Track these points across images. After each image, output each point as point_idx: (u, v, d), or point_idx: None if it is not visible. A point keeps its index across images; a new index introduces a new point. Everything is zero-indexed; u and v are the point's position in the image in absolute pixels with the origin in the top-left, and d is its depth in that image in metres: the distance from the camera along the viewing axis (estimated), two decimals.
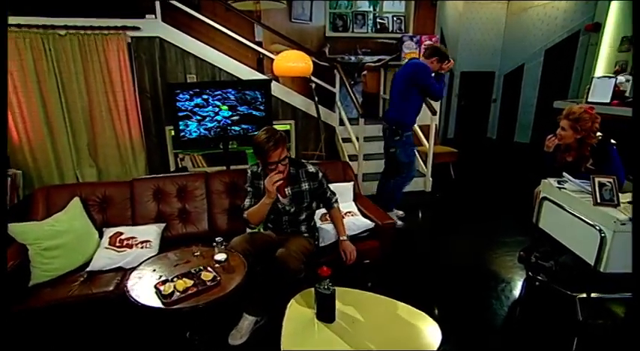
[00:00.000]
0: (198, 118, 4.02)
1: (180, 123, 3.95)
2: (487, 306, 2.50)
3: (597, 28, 5.72)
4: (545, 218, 2.60)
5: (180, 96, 3.86)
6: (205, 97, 3.98)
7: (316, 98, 4.40)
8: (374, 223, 2.52)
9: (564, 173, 2.55)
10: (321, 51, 5.45)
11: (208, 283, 1.66)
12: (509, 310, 2.47)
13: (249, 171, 2.20)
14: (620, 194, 2.17)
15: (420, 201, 4.52)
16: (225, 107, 4.02)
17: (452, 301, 2.56)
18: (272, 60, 4.87)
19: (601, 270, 2.10)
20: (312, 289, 1.66)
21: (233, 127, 4.04)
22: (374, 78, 5.85)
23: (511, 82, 7.25)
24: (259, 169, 2.16)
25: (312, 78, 4.38)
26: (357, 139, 4.43)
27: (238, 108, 4.12)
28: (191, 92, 3.89)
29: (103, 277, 2.08)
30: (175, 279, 1.68)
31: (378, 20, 5.68)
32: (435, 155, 4.75)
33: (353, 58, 5.72)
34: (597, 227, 2.11)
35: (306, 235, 2.29)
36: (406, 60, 5.24)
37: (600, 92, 4.51)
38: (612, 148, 2.49)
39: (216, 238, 1.85)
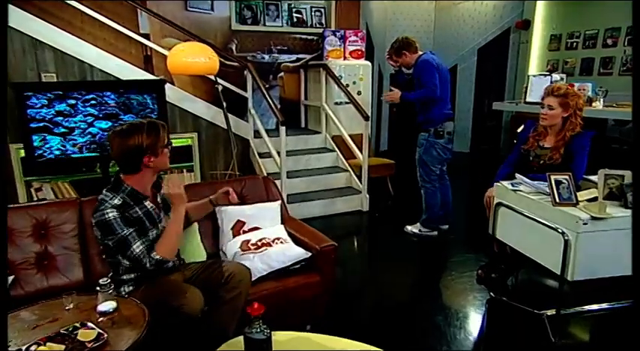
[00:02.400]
0: (63, 130, 3.65)
1: (35, 138, 3.55)
2: (451, 337, 2.53)
3: (527, 25, 6.49)
4: (502, 227, 2.72)
5: (33, 100, 3.48)
6: (72, 102, 3.63)
7: (225, 104, 4.28)
8: (310, 253, 2.42)
9: (517, 175, 2.73)
10: (226, 48, 5.37)
11: (89, 345, 1.42)
12: (476, 339, 2.53)
13: (108, 212, 1.90)
14: (577, 192, 2.37)
15: (358, 223, 4.58)
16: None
17: (410, 338, 2.54)
18: (164, 57, 4.69)
19: (568, 278, 2.24)
20: (240, 337, 1.52)
21: None
22: (293, 81, 5.90)
23: None
24: (119, 197, 1.96)
25: (219, 80, 4.27)
26: (278, 153, 4.39)
27: (121, 117, 3.83)
28: (50, 95, 3.53)
29: None
30: (34, 347, 1.41)
31: (294, 13, 5.79)
32: (371, 169, 4.87)
33: (266, 56, 5.73)
34: (560, 230, 2.26)
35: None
36: (330, 59, 5.43)
37: (539, 91, 5.06)
38: (589, 140, 2.74)
39: (101, 280, 1.61)
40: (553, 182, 2.36)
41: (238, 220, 2.61)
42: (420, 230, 4.15)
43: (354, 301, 3.01)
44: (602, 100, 4.60)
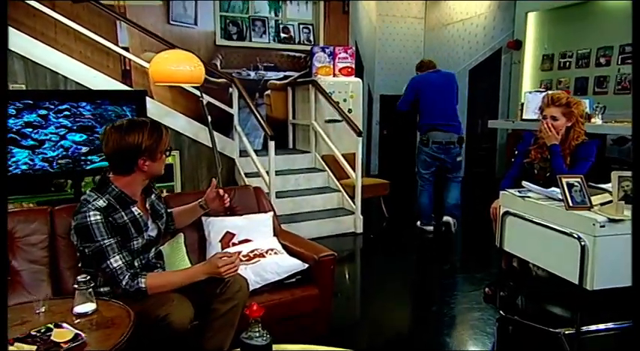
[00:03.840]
0: (32, 143, 3.53)
1: None
2: None
3: (519, 45, 6.69)
4: (510, 238, 2.68)
5: None
6: (43, 112, 3.53)
7: (210, 118, 4.24)
8: (307, 264, 2.35)
9: (524, 182, 2.71)
10: (210, 64, 5.38)
11: (64, 346, 1.30)
12: None
13: (90, 215, 1.79)
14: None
15: (351, 245, 4.52)
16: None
17: None
18: (144, 72, 4.68)
19: (588, 287, 2.19)
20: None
21: (90, 158, 3.62)
22: (280, 99, 5.91)
23: None
24: (104, 199, 1.85)
25: (203, 95, 4.25)
26: (267, 172, 4.35)
27: (97, 129, 3.74)
28: (18, 105, 3.43)
29: None
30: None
31: (281, 29, 5.87)
32: (364, 189, 4.84)
33: (252, 73, 5.75)
34: (575, 235, 2.22)
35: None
36: (319, 76, 5.49)
37: (535, 108, 5.17)
38: (596, 148, 2.76)
39: (79, 277, 1.49)
40: (565, 185, 2.34)
41: (227, 232, 2.53)
42: (420, 223, 4.87)
43: (350, 331, 2.90)
44: (600, 116, 4.70)
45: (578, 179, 2.38)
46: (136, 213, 1.94)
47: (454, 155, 4.65)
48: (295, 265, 2.35)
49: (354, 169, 4.80)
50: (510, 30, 6.79)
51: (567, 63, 6.16)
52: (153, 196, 2.10)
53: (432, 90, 4.61)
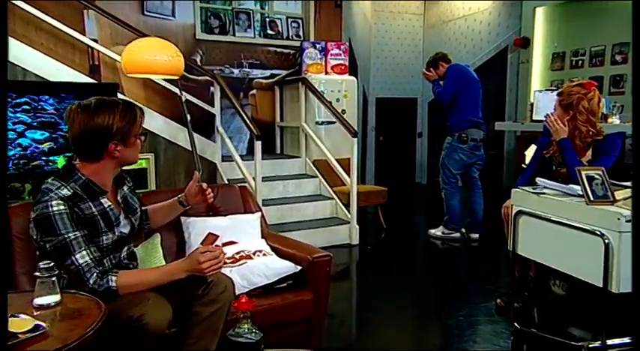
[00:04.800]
0: None
1: None
2: None
3: (526, 43, 6.80)
4: (524, 240, 2.67)
5: None
6: None
7: (189, 117, 4.21)
8: (300, 267, 2.32)
9: (538, 179, 2.72)
10: (190, 59, 5.37)
11: (21, 336, 1.24)
12: None
13: (53, 205, 1.73)
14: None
15: (347, 258, 4.50)
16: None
17: None
18: (114, 67, 4.67)
19: (613, 290, 2.17)
20: None
21: (52, 158, 3.57)
22: (267, 99, 5.92)
23: (438, 111, 8.04)
24: (69, 187, 1.80)
25: (182, 92, 4.24)
26: (254, 178, 4.33)
27: (61, 126, 3.69)
28: None
29: None
30: None
31: (268, 23, 5.90)
32: (360, 196, 4.86)
33: (236, 71, 5.75)
34: (598, 232, 2.21)
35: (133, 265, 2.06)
36: (309, 74, 5.51)
37: (546, 108, 5.22)
38: (621, 142, 2.77)
39: (41, 263, 1.44)
40: (585, 178, 2.34)
41: (210, 233, 2.48)
42: (443, 232, 4.92)
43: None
44: (618, 115, 4.77)
45: (599, 171, 2.38)
46: (105, 205, 1.89)
47: (483, 153, 4.86)
48: (286, 267, 2.33)
49: (348, 174, 4.80)
50: (517, 27, 6.90)
51: (580, 61, 6.25)
52: (125, 188, 2.06)
53: (474, 85, 4.80)
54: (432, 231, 4.98)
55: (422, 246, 5.09)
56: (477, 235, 4.87)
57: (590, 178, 2.35)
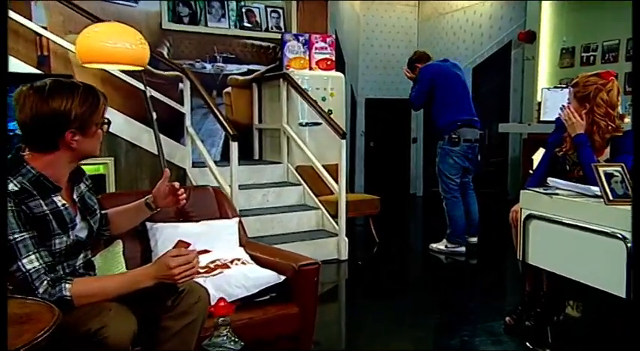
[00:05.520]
0: None
1: None
2: None
3: (532, 37, 6.89)
4: (535, 248, 2.65)
5: None
6: None
7: (155, 115, 4.18)
8: (283, 277, 2.32)
9: (550, 179, 2.71)
10: (156, 52, 5.34)
11: None
12: None
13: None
14: None
15: (335, 275, 4.49)
16: None
17: None
18: (66, 58, 4.63)
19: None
20: None
21: None
22: (243, 98, 5.91)
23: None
24: (15, 182, 1.74)
25: (148, 88, 4.21)
26: (230, 186, 4.30)
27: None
28: None
29: None
30: None
31: (244, 12, 5.90)
32: (349, 205, 4.85)
33: (208, 66, 5.73)
34: (619, 234, 2.20)
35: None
36: (291, 70, 5.52)
37: (555, 107, 5.28)
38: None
39: None
40: (602, 175, 2.34)
41: (180, 241, 2.45)
42: (446, 246, 4.93)
43: None
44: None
45: (619, 168, 2.38)
46: (59, 204, 1.83)
47: (477, 154, 5.01)
48: (268, 276, 2.32)
49: (336, 181, 4.79)
50: (522, 19, 7.00)
51: (591, 57, 6.35)
52: (83, 186, 2.00)
53: (453, 81, 4.95)
54: (434, 245, 5.00)
55: (419, 261, 5.10)
56: (475, 239, 5.06)
57: (609, 176, 2.35)
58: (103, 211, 2.17)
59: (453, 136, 4.77)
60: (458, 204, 4.88)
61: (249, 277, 2.29)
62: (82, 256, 1.96)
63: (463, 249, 4.87)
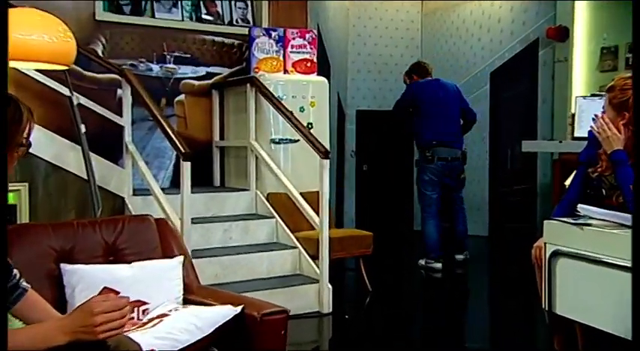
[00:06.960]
0: None
1: None
2: None
3: (564, 35, 6.93)
4: (564, 292, 2.65)
5: None
6: None
7: (84, 128, 4.14)
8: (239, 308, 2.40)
9: (580, 206, 2.71)
10: (87, 48, 5.32)
11: None
12: None
13: None
14: None
15: (315, 333, 4.51)
16: None
17: None
18: None
19: None
20: None
21: None
22: (200, 108, 5.91)
23: None
24: None
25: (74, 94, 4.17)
26: (180, 219, 4.27)
27: None
28: None
29: None
30: None
31: (202, 1, 5.91)
32: (334, 243, 4.82)
33: (156, 67, 5.71)
34: None
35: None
36: (261, 73, 5.53)
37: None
38: None
39: None
40: None
41: (106, 289, 2.40)
42: (426, 262, 6.14)
43: None
44: None
45: None
46: None
47: (458, 172, 6.32)
48: (224, 311, 2.36)
49: (317, 213, 4.76)
50: (551, 13, 7.06)
51: None
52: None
53: (436, 102, 6.17)
54: (420, 261, 6.23)
55: (420, 315, 5.07)
56: (461, 256, 6.36)
57: None
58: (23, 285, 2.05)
59: (427, 153, 6.08)
60: (430, 221, 6.15)
61: (202, 317, 2.32)
62: None
63: (439, 265, 6.07)
